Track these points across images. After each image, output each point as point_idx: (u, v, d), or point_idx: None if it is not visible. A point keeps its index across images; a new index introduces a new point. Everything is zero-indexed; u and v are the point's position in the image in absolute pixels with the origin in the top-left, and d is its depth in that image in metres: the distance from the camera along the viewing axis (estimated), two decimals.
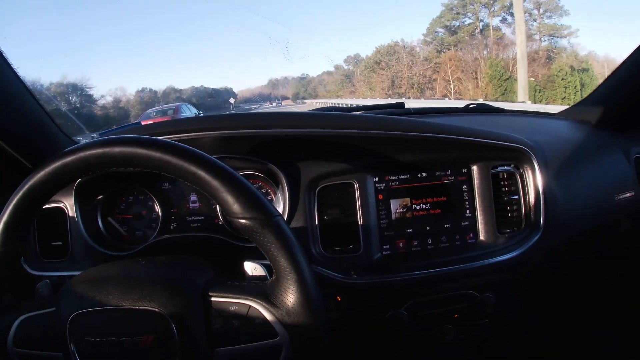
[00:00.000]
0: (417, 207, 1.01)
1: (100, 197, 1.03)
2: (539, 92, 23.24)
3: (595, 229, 1.14)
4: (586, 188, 1.11)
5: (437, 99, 26.93)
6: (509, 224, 1.03)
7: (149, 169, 0.61)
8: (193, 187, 0.62)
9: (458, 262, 0.97)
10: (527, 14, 29.66)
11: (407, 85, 34.52)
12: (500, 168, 1.03)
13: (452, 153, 1.01)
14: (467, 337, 1.06)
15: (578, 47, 28.36)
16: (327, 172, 0.97)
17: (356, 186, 0.98)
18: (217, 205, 1.02)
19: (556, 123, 1.39)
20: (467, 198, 1.03)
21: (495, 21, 31.52)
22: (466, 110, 1.55)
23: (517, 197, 1.04)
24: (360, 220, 0.98)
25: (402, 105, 1.58)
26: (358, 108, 1.60)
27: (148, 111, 15.69)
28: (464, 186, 1.03)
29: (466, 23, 32.65)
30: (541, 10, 29.16)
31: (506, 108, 1.57)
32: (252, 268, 0.71)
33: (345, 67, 52.16)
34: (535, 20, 29.55)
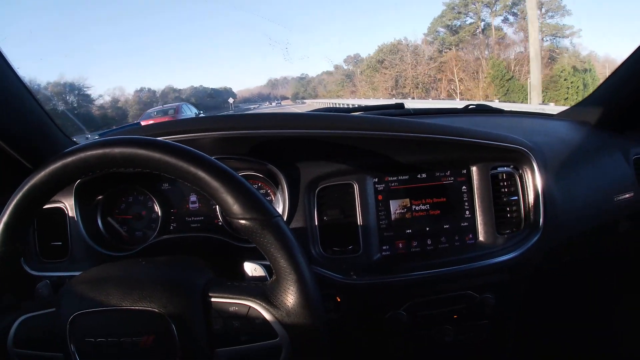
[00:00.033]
0: (417, 208, 1.02)
1: (100, 197, 1.04)
2: (542, 93, 23.21)
3: (595, 230, 1.15)
4: (585, 189, 1.11)
5: (443, 99, 26.56)
6: (508, 225, 1.04)
7: (149, 169, 0.62)
8: (193, 187, 0.63)
9: (457, 263, 0.98)
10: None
11: (412, 85, 34.22)
12: (499, 169, 1.04)
13: (451, 154, 1.02)
14: (466, 338, 1.06)
15: (580, 47, 28.27)
16: (326, 172, 0.98)
17: (356, 187, 0.99)
18: (217, 206, 1.03)
19: (555, 124, 1.39)
20: (466, 199, 1.03)
21: (497, 21, 31.43)
22: (465, 111, 1.55)
23: (516, 198, 1.04)
24: (359, 221, 0.98)
25: (401, 105, 1.58)
26: (358, 109, 1.60)
27: (149, 111, 15.82)
28: (464, 187, 1.03)
29: (467, 22, 32.53)
30: (543, 10, 29.00)
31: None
32: (252, 269, 0.71)
33: (345, 67, 51.96)
34: (537, 20, 29.53)
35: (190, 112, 13.76)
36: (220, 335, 0.63)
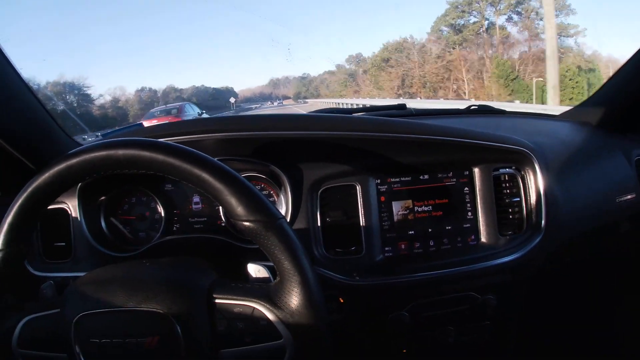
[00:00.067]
0: (419, 209, 1.02)
1: (103, 198, 1.04)
2: (546, 93, 23.13)
3: (596, 231, 1.15)
4: (587, 190, 1.12)
5: (451, 99, 26.14)
6: (510, 226, 1.04)
7: (152, 171, 0.62)
8: (196, 188, 0.63)
9: (460, 264, 0.98)
10: (533, 13, 29.44)
11: (419, 84, 33.63)
12: (501, 170, 1.05)
13: (453, 155, 1.02)
14: (468, 339, 1.07)
15: (584, 46, 28.04)
16: (329, 174, 0.99)
17: (358, 188, 0.99)
18: (220, 207, 1.03)
19: (557, 125, 1.39)
20: (468, 200, 1.04)
21: (501, 20, 31.25)
22: (467, 111, 1.56)
23: (518, 199, 1.05)
24: (362, 222, 0.99)
25: (403, 106, 1.58)
26: (360, 109, 1.61)
27: (152, 110, 15.88)
28: (466, 188, 1.04)
29: (471, 22, 32.34)
30: None
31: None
32: (255, 270, 0.72)
33: (347, 67, 51.84)
34: (542, 19, 29.32)
35: (193, 111, 13.78)
36: (224, 336, 0.64)
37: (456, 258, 1.00)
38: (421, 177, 1.03)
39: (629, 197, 1.14)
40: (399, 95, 33.27)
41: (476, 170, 1.04)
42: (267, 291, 0.64)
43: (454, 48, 31.89)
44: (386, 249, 1.01)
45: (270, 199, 1.03)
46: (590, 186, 1.13)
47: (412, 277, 0.96)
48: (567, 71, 23.15)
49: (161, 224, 1.04)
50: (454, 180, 1.04)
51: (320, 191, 0.99)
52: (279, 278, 0.63)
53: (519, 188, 1.05)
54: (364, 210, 0.99)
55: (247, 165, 1.00)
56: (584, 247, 1.19)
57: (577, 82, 22.33)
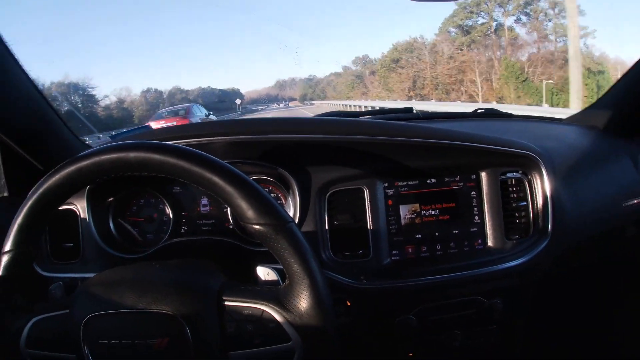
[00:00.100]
0: (426, 213, 1.03)
1: (111, 199, 1.05)
2: (556, 95, 22.96)
3: (603, 235, 1.15)
4: (594, 194, 1.12)
5: (464, 101, 25.51)
6: (517, 230, 1.05)
7: (163, 174, 0.63)
8: (204, 191, 0.64)
9: (466, 268, 0.99)
10: (542, 14, 29.18)
11: (431, 86, 32.89)
12: (508, 174, 1.05)
13: (460, 159, 1.03)
14: (475, 343, 1.07)
15: (592, 48, 27.71)
16: (337, 177, 0.99)
17: (366, 192, 1.00)
18: (228, 209, 1.04)
19: (564, 128, 1.39)
20: (475, 204, 1.04)
21: (509, 21, 30.95)
22: (474, 115, 1.56)
23: (525, 203, 1.05)
24: (369, 226, 0.99)
25: (410, 109, 1.59)
26: (367, 112, 1.61)
27: (160, 111, 16.17)
28: (473, 192, 1.04)
29: (479, 23, 32.03)
30: (556, 10, 28.74)
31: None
32: (264, 273, 0.72)
33: (354, 68, 51.66)
34: (550, 20, 29.10)
35: (200, 112, 13.93)
36: (233, 338, 0.64)
37: (463, 262, 1.01)
38: (428, 181, 1.03)
39: (635, 201, 1.14)
40: (410, 97, 32.42)
41: (483, 174, 1.04)
42: (276, 294, 0.65)
43: (461, 50, 31.53)
44: (393, 252, 1.01)
45: (279, 202, 1.03)
46: (597, 190, 1.13)
47: (419, 280, 0.97)
48: None
49: (169, 226, 1.05)
50: (461, 184, 1.04)
51: (328, 194, 1.00)
52: (288, 281, 0.64)
53: (526, 192, 1.05)
54: (371, 214, 1.00)
55: (255, 168, 1.00)
56: (590, 252, 1.19)
57: (586, 85, 22.13)
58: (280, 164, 0.99)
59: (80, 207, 1.00)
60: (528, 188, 1.05)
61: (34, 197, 0.65)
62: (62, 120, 1.11)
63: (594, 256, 1.22)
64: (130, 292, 0.64)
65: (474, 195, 1.04)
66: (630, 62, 1.19)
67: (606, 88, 1.33)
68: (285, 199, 1.03)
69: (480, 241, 1.04)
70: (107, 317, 0.64)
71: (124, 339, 0.63)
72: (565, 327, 1.36)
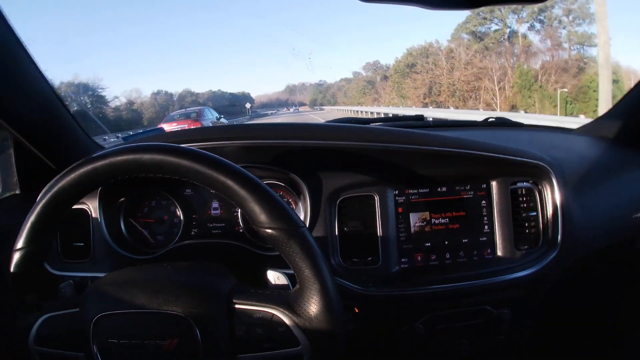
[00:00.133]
0: (436, 221, 1.03)
1: (122, 199, 1.06)
2: (570, 104, 22.78)
3: (612, 247, 1.15)
4: (604, 206, 1.12)
5: (484, 109, 24.50)
6: (526, 241, 1.05)
7: (177, 176, 0.64)
8: (215, 193, 0.65)
9: (475, 278, 0.99)
10: (556, 21, 28.93)
11: (448, 93, 31.87)
12: (519, 184, 1.05)
13: (471, 168, 1.03)
14: (481, 353, 1.07)
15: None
16: (348, 183, 1.00)
17: (376, 199, 1.00)
18: (238, 213, 1.04)
19: (575, 139, 1.39)
20: (485, 214, 1.04)
21: (523, 28, 30.73)
22: (485, 124, 1.56)
23: (535, 213, 1.05)
24: (379, 233, 1.00)
25: (421, 117, 1.60)
26: (378, 119, 1.62)
27: (172, 113, 16.63)
28: (483, 201, 1.04)
29: (493, 29, 31.79)
30: (571, 18, 28.45)
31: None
32: (274, 277, 0.73)
33: (365, 74, 51.52)
34: (564, 28, 28.84)
35: (212, 115, 14.27)
36: (242, 341, 0.65)
37: (472, 271, 1.01)
38: (439, 189, 1.03)
39: None
40: (426, 104, 31.43)
41: (494, 184, 1.04)
42: (286, 298, 0.65)
43: (475, 57, 31.11)
44: (402, 260, 1.02)
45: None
46: (607, 202, 1.13)
47: (428, 289, 0.97)
48: (591, 82, 22.75)
49: (179, 228, 1.06)
50: (472, 193, 1.04)
51: (338, 201, 1.00)
52: (298, 285, 0.64)
53: (536, 202, 1.05)
54: (381, 221, 1.00)
55: (267, 173, 1.01)
56: (599, 263, 1.18)
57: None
58: (291, 169, 0.99)
59: (92, 206, 1.01)
60: (538, 198, 1.05)
61: (48, 195, 0.66)
62: (76, 120, 1.13)
63: (603, 268, 1.21)
64: (142, 292, 0.65)
65: (484, 205, 1.05)
66: None
67: (620, 97, 1.33)
68: (296, 204, 1.04)
69: (489, 251, 1.04)
70: (118, 317, 0.64)
71: (133, 339, 0.63)
72: (573, 338, 1.35)
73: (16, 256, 0.68)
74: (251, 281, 0.72)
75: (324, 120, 1.41)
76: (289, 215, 0.63)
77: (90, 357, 0.66)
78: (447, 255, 1.03)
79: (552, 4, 27.38)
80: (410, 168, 1.01)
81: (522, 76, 25.80)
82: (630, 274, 1.30)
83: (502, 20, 31.18)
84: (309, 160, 1.01)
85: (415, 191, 1.03)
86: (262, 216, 0.62)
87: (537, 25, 30.40)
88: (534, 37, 30.49)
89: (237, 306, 0.66)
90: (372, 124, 1.41)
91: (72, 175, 0.66)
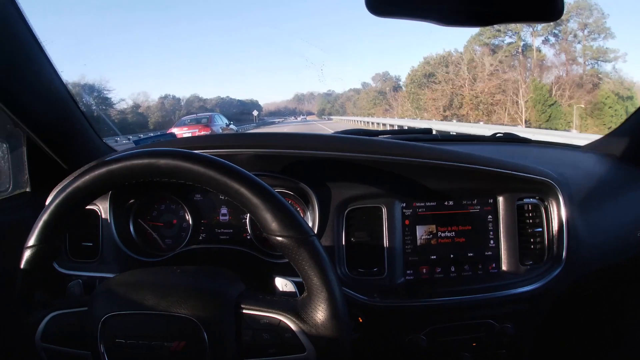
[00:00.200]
0: (442, 235, 1.05)
1: (132, 202, 1.08)
2: (584, 120, 22.64)
3: (617, 265, 1.16)
4: (609, 223, 1.13)
5: (508, 124, 23.86)
6: (531, 256, 1.06)
7: (191, 182, 0.67)
8: (224, 199, 0.67)
9: (479, 292, 1.00)
10: (571, 35, 28.76)
11: (470, 105, 30.64)
12: (525, 200, 1.07)
13: (478, 183, 1.05)
14: None
15: (621, 72, 26.99)
16: (356, 195, 1.02)
17: (384, 210, 1.02)
18: (247, 219, 1.06)
19: (582, 156, 1.41)
20: (491, 228, 1.06)
21: (537, 42, 30.52)
22: (493, 139, 1.58)
23: (540, 229, 1.06)
24: (386, 244, 1.02)
25: (429, 131, 1.63)
26: (386, 132, 1.65)
27: (183, 118, 16.98)
28: (489, 216, 1.06)
29: (506, 42, 31.43)
30: (586, 32, 28.20)
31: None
32: (282, 284, 0.75)
33: (374, 85, 51.29)
34: (580, 42, 28.66)
35: (222, 121, 14.68)
36: (249, 346, 0.67)
37: (476, 285, 1.02)
38: (446, 203, 1.06)
39: None
40: (445, 117, 29.77)
41: (500, 199, 1.06)
42: (294, 305, 0.67)
43: (499, 67, 30.23)
44: (408, 272, 1.04)
45: None
46: (613, 219, 1.14)
47: (432, 301, 0.99)
48: (606, 98, 22.59)
49: (188, 233, 1.08)
50: (478, 207, 1.07)
51: (346, 211, 1.02)
52: (306, 293, 0.66)
53: (542, 218, 1.07)
54: (388, 233, 1.02)
55: (276, 181, 1.02)
56: (603, 280, 1.19)
57: (615, 110, 21.73)
58: (301, 178, 1.01)
59: (102, 207, 1.04)
60: (544, 214, 1.07)
61: (62, 195, 0.69)
62: (89, 122, 1.15)
63: (607, 285, 1.22)
64: (151, 294, 0.67)
65: (491, 219, 1.06)
66: None
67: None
68: (304, 213, 1.05)
69: (494, 265, 1.06)
70: (126, 317, 0.67)
71: (141, 340, 0.66)
72: (574, 354, 1.36)
73: (27, 253, 0.70)
74: (258, 287, 0.75)
75: (332, 130, 1.43)
76: (300, 224, 0.65)
77: (96, 356, 0.68)
78: (452, 269, 1.05)
79: (567, 17, 27.24)
80: (418, 181, 1.03)
81: (536, 90, 25.63)
82: (634, 293, 1.30)
83: (516, 32, 30.94)
84: (319, 171, 1.03)
85: (423, 204, 1.05)
86: (273, 224, 0.65)
87: (552, 39, 30.28)
88: (548, 51, 30.34)
89: (244, 311, 0.68)
90: (381, 137, 1.43)
91: (87, 177, 0.68)
